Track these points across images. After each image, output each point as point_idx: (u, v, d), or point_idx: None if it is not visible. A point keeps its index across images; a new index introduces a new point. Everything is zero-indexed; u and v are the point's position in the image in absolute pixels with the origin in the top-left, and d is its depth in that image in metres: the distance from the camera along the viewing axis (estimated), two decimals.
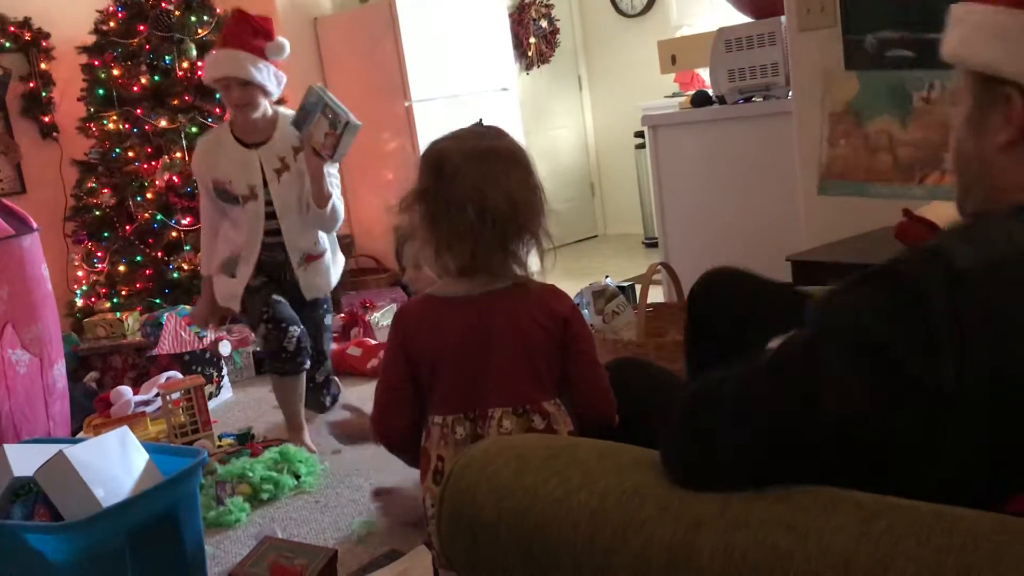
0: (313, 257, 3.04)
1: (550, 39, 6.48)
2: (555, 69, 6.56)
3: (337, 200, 2.92)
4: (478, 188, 1.47)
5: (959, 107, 1.05)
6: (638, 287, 3.50)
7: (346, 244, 4.99)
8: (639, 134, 5.58)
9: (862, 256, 2.25)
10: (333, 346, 4.10)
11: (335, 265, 3.18)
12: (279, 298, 2.94)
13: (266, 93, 2.88)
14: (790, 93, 3.00)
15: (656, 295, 3.34)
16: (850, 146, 2.64)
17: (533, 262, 1.59)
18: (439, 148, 1.56)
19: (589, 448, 1.01)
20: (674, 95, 5.65)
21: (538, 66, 6.44)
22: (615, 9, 6.49)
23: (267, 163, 2.90)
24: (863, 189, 2.63)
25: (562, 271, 6.21)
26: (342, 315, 4.43)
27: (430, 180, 1.53)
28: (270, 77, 2.87)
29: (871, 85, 2.49)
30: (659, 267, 3.04)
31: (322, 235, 3.08)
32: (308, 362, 2.94)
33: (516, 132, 5.36)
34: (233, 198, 2.93)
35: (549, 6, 6.44)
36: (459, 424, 1.53)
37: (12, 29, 4.45)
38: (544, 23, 6.41)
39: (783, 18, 2.93)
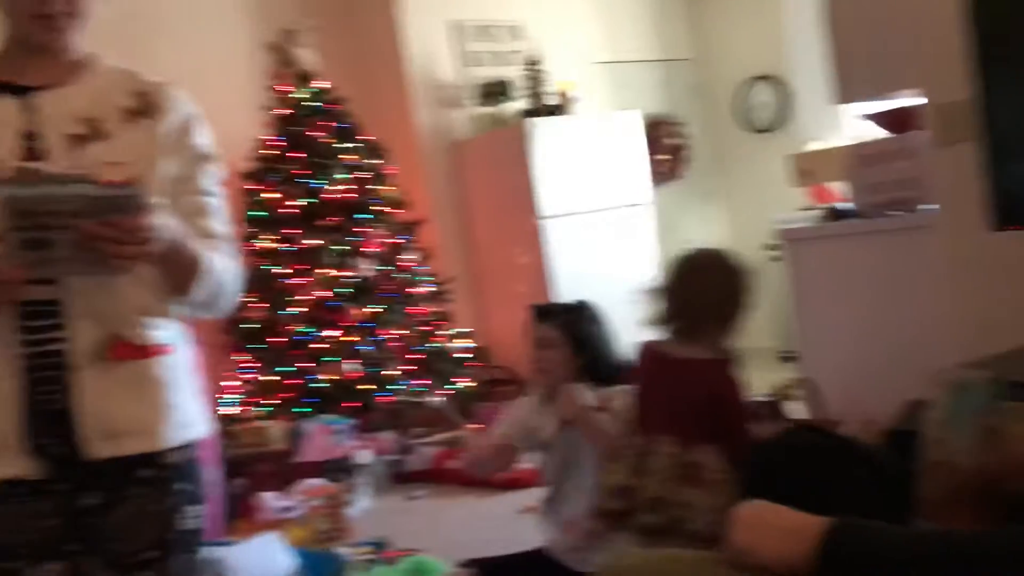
0: (131, 348, 1.41)
1: (682, 155, 6.58)
2: (687, 183, 6.64)
3: (216, 258, 1.47)
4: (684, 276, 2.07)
5: None
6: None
7: (480, 355, 5.10)
8: (772, 247, 5.54)
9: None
10: None
11: (189, 387, 1.50)
12: None
13: None
14: (931, 206, 2.96)
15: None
16: None
17: None
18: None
19: None
20: (807, 208, 5.61)
21: (671, 181, 6.54)
22: (744, 125, 6.56)
23: (52, 122, 1.41)
24: None
25: None
26: (477, 426, 4.49)
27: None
28: None
29: None
30: (801, 382, 2.98)
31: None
32: None
33: (650, 245, 5.45)
34: None
35: (680, 124, 6.57)
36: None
37: None
38: (676, 140, 6.54)
39: (921, 133, 2.92)
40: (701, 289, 2.02)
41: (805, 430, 1.78)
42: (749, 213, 6.51)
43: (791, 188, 4.88)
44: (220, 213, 1.54)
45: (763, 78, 6.39)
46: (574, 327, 2.45)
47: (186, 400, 1.48)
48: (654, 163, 6.38)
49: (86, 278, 1.35)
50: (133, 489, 1.42)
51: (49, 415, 1.36)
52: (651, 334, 2.14)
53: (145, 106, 1.48)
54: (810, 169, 4.47)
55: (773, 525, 1.07)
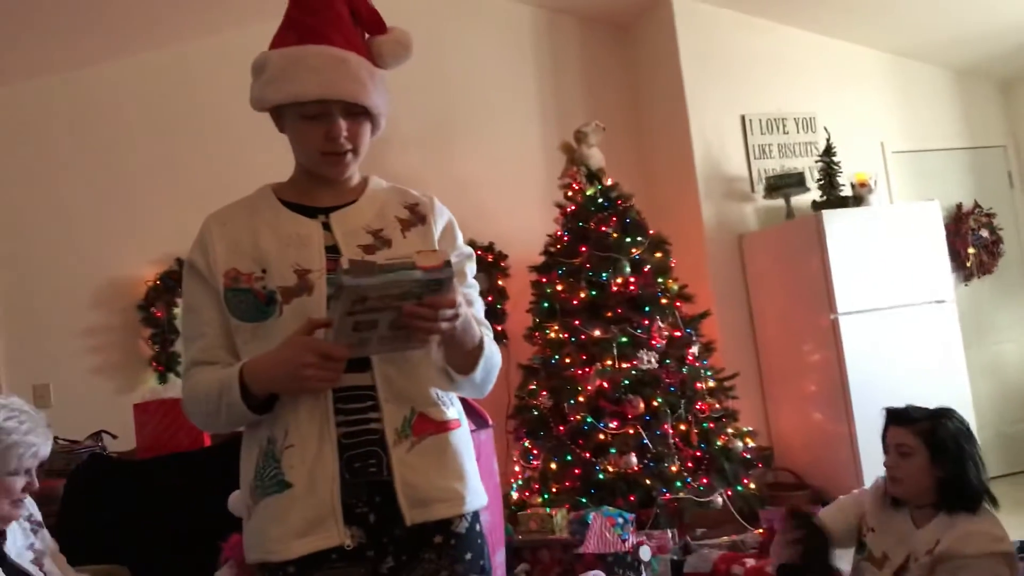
0: (431, 424, 1.57)
1: (992, 248, 6.05)
2: (999, 279, 6.07)
3: (488, 341, 1.62)
4: None
5: None
6: None
7: (765, 456, 4.89)
8: None
9: None
10: (751, 562, 3.95)
11: (472, 458, 1.64)
12: None
13: (375, 128, 1.67)
14: None
15: None
16: None
17: None
18: None
19: None
20: None
21: (979, 277, 6.01)
22: None
23: (347, 236, 1.61)
24: None
25: (1012, 502, 5.47)
26: (761, 531, 4.27)
27: None
28: (384, 98, 1.65)
29: None
30: None
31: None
32: None
33: (955, 346, 5.00)
34: (258, 304, 1.54)
35: (990, 215, 6.06)
36: None
37: (479, 252, 5.20)
38: (985, 232, 6.03)
39: None
40: None
41: None
42: None
43: None
44: (480, 303, 1.72)
45: None
46: (935, 435, 2.30)
47: (473, 470, 1.62)
48: (961, 257, 5.91)
49: (394, 355, 1.52)
50: (425, 554, 1.55)
51: (369, 488, 1.52)
52: None
53: (416, 216, 1.69)
54: None
55: None
